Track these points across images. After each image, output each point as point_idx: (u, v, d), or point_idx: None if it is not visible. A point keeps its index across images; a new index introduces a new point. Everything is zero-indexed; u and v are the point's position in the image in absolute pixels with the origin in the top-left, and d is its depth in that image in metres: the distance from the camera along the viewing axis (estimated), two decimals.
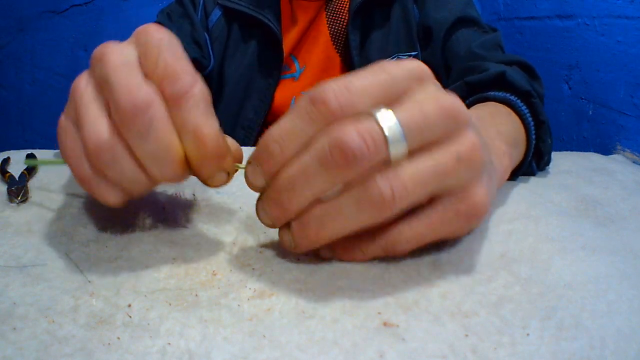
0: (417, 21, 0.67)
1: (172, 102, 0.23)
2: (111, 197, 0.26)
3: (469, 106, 0.42)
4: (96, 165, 0.24)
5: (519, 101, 0.42)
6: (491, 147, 0.31)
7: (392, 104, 0.23)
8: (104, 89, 0.24)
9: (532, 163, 0.43)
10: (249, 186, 0.26)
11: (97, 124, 0.24)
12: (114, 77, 0.23)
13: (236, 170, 0.27)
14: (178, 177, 0.25)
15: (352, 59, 0.66)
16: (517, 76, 0.44)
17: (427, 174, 0.23)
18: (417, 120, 0.22)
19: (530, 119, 0.41)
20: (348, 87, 0.22)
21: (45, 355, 0.21)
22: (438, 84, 0.25)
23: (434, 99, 0.23)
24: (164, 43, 0.24)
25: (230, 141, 0.28)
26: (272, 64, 0.67)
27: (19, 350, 0.21)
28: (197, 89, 0.24)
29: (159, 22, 0.66)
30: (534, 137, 0.41)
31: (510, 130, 0.39)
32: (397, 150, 0.22)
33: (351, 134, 0.21)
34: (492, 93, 0.43)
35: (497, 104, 0.42)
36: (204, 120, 0.24)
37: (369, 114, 0.22)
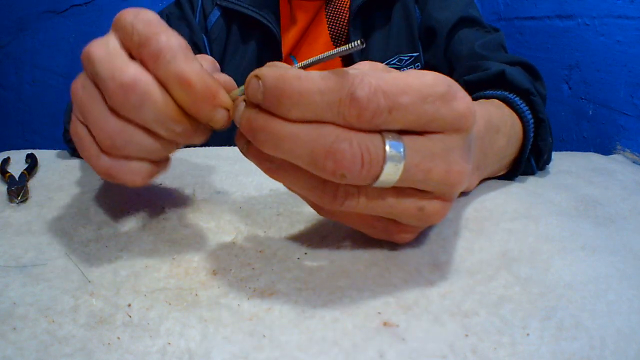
0: (418, 22, 0.67)
1: (152, 62, 0.24)
2: (136, 176, 0.27)
3: None
4: (112, 152, 0.26)
5: (517, 99, 0.42)
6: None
7: (411, 134, 0.23)
8: (97, 83, 0.25)
9: (530, 161, 0.43)
10: (246, 93, 0.23)
11: (102, 118, 0.25)
12: (100, 68, 0.25)
13: (235, 101, 0.26)
14: (189, 132, 0.26)
15: (352, 61, 0.66)
16: (518, 75, 0.44)
17: (383, 209, 0.24)
18: (418, 171, 0.22)
19: (529, 116, 0.41)
20: (391, 105, 0.21)
21: (45, 355, 0.21)
22: (472, 136, 0.24)
23: (448, 162, 0.23)
24: (135, 17, 0.25)
25: (220, 77, 0.28)
26: None
27: (19, 350, 0.21)
28: (171, 42, 0.24)
29: None
30: (532, 134, 0.41)
31: (501, 124, 0.39)
32: (382, 184, 0.23)
33: (353, 151, 0.21)
34: (491, 92, 0.43)
35: (494, 100, 0.42)
36: (184, 66, 0.24)
37: (382, 140, 0.22)
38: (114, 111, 0.25)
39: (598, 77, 0.72)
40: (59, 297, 0.24)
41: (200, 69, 0.24)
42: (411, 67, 0.67)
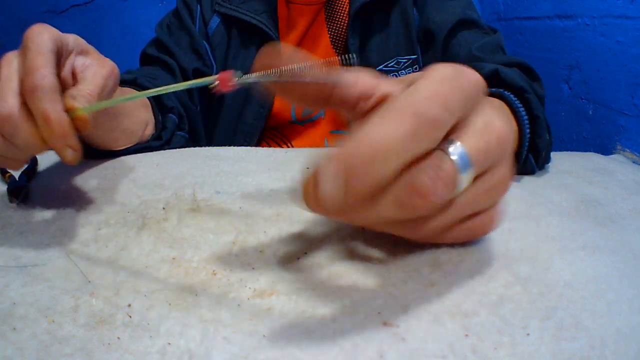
0: (417, 24, 0.67)
1: (28, 94, 0.30)
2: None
3: None
4: None
5: (511, 96, 0.42)
6: None
7: (461, 127, 0.23)
8: None
9: (529, 159, 0.43)
10: (310, 195, 0.21)
11: None
12: None
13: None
14: (42, 150, 0.31)
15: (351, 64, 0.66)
16: (512, 74, 0.44)
17: (479, 198, 0.24)
18: (481, 154, 0.23)
19: (523, 112, 0.41)
20: (444, 104, 0.21)
21: (45, 355, 0.21)
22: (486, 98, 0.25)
23: (493, 128, 0.23)
24: (33, 42, 0.31)
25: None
26: None
27: (19, 350, 0.21)
28: (45, 82, 0.30)
29: (159, 37, 0.67)
30: (528, 131, 0.41)
31: None
32: (464, 183, 0.23)
33: (429, 179, 0.21)
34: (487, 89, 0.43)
35: (494, 99, 0.42)
36: (49, 106, 0.29)
37: (444, 150, 0.22)
38: None
39: (598, 77, 0.72)
40: (59, 297, 0.24)
41: (59, 112, 0.30)
42: (409, 70, 0.67)
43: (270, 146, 0.72)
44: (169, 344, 0.21)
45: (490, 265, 0.28)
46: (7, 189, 0.36)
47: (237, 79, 0.24)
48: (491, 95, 0.42)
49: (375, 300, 0.24)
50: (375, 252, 0.29)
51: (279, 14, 0.67)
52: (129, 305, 0.24)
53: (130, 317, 0.23)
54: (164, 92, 0.28)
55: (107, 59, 0.37)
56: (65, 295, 0.25)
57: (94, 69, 0.35)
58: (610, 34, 0.69)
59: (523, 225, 0.33)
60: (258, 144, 0.71)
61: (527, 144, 0.41)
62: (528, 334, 0.22)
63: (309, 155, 0.51)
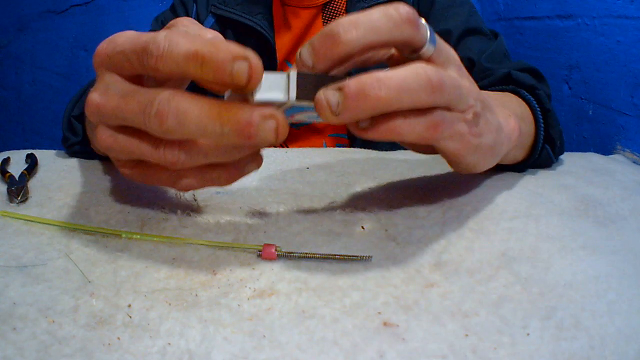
0: None
1: (159, 62, 0.23)
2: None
3: None
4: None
5: (524, 91, 0.45)
6: (496, 112, 0.33)
7: None
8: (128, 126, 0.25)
9: (546, 150, 0.45)
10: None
11: (155, 152, 0.25)
12: (121, 115, 0.24)
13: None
14: (234, 132, 0.23)
15: None
16: (522, 75, 0.48)
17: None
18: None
19: (536, 105, 0.44)
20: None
21: (45, 356, 0.21)
22: None
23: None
24: (116, 43, 0.24)
25: None
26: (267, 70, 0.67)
27: (19, 350, 0.21)
28: (159, 35, 0.23)
29: (153, 30, 0.67)
30: (542, 122, 0.43)
31: (516, 107, 0.42)
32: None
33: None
34: (501, 87, 0.47)
35: (508, 93, 0.46)
36: (188, 44, 0.22)
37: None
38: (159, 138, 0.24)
39: (598, 77, 0.72)
40: (59, 297, 0.24)
41: (200, 38, 0.23)
42: None
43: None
44: (169, 344, 0.21)
45: (490, 265, 0.28)
46: (7, 189, 0.36)
47: (279, 254, 0.28)
48: (505, 91, 0.46)
49: (375, 300, 0.24)
50: (375, 252, 0.29)
51: (274, 15, 0.67)
52: (129, 306, 0.24)
53: (130, 317, 0.23)
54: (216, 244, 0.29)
55: None
56: (65, 295, 0.25)
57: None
58: (610, 34, 0.69)
59: (523, 225, 0.33)
60: None
61: (542, 134, 0.43)
62: (528, 334, 0.22)
63: (309, 155, 0.51)
